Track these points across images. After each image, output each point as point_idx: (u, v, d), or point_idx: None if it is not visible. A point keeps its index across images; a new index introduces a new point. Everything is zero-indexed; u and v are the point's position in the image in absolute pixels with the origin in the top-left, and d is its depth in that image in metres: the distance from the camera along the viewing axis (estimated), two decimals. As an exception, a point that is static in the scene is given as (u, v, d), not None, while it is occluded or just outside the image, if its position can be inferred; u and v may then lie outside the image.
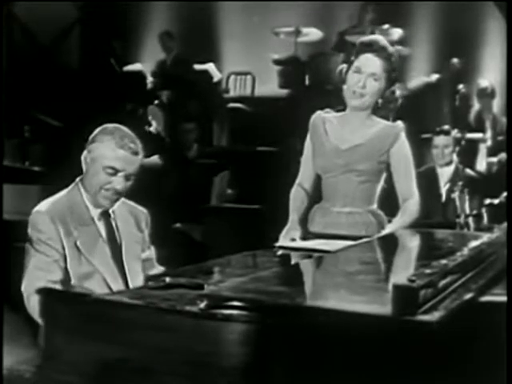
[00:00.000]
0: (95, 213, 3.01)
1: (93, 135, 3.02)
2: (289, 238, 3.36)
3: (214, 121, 8.89)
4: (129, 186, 2.99)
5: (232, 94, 9.54)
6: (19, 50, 7.95)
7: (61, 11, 8.68)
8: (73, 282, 2.89)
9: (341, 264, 2.62)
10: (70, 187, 3.04)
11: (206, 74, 9.25)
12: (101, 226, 3.01)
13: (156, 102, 8.67)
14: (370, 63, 3.43)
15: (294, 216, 3.51)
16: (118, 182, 2.94)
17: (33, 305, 2.80)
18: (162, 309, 1.96)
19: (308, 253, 2.96)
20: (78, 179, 3.04)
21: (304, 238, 3.40)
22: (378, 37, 3.58)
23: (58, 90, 7.89)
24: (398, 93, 3.54)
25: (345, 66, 3.53)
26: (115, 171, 2.93)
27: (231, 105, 9.03)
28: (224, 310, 1.88)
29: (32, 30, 8.49)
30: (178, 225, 6.78)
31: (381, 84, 3.45)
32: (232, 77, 9.61)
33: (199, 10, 9.64)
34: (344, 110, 3.56)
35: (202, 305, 1.91)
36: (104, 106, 7.45)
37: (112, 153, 2.93)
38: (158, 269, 3.15)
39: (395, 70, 3.50)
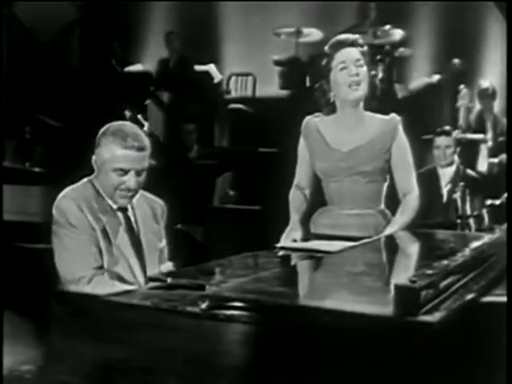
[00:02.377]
0: (115, 207, 3.08)
1: (98, 138, 3.06)
2: (290, 238, 3.35)
3: (215, 122, 8.89)
4: (142, 181, 3.06)
5: (233, 94, 9.55)
6: (19, 51, 7.95)
7: (61, 11, 8.69)
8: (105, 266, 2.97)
9: (342, 264, 2.61)
10: (86, 179, 3.09)
11: (206, 74, 9.26)
12: (120, 217, 3.08)
13: (148, 101, 8.64)
14: (348, 54, 3.46)
15: (294, 217, 3.50)
16: (130, 180, 3.00)
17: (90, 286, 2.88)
18: (164, 309, 1.95)
19: (309, 253, 2.96)
20: (92, 176, 3.09)
21: (305, 238, 3.40)
22: (339, 36, 3.60)
23: (58, 91, 7.89)
24: (380, 75, 3.57)
25: (321, 82, 3.53)
26: (125, 171, 2.99)
27: (232, 106, 9.03)
28: (225, 310, 1.88)
29: (32, 31, 8.50)
30: (179, 225, 6.78)
31: (365, 67, 3.46)
32: (233, 78, 9.62)
33: (200, 10, 9.64)
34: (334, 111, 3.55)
35: (204, 305, 1.91)
36: (105, 106, 7.46)
37: (117, 155, 2.98)
38: (167, 264, 3.19)
39: (367, 52, 3.52)
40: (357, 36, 3.56)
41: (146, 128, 8.31)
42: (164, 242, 3.21)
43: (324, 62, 3.51)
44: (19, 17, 8.33)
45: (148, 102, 8.56)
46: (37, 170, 7.39)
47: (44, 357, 2.14)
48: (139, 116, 8.35)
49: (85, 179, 3.10)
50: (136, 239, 3.09)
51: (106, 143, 3.01)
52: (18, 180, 6.67)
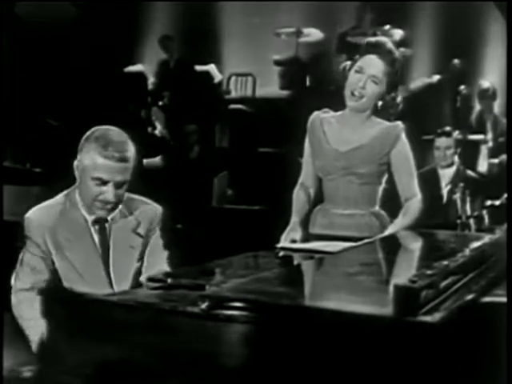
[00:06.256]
0: (90, 219, 2.95)
1: (82, 142, 2.89)
2: (290, 239, 3.35)
3: (216, 122, 8.90)
4: (122, 194, 2.90)
5: (233, 95, 9.56)
6: (19, 51, 7.95)
7: (61, 11, 8.69)
8: (64, 284, 2.90)
9: (342, 265, 2.61)
10: (65, 192, 2.98)
11: (207, 75, 9.27)
12: (94, 232, 2.95)
13: (160, 103, 8.68)
14: (372, 64, 3.40)
15: (295, 217, 3.50)
16: (108, 192, 2.83)
17: (16, 301, 2.89)
18: (164, 309, 1.95)
19: (309, 254, 2.96)
20: (72, 187, 2.97)
21: (305, 239, 3.40)
22: (385, 39, 3.54)
23: (59, 91, 7.89)
24: (399, 99, 3.50)
25: (349, 63, 3.49)
26: (103, 182, 2.82)
27: (232, 106, 9.04)
28: (225, 310, 1.88)
29: (32, 31, 8.50)
30: (179, 226, 6.78)
31: (381, 88, 3.41)
32: (233, 78, 9.63)
33: (200, 10, 9.64)
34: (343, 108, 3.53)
35: (204, 305, 1.90)
36: (106, 107, 7.46)
37: (96, 163, 2.80)
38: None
39: (398, 75, 3.46)
40: (397, 54, 3.45)
41: (157, 131, 8.30)
42: (140, 262, 3.01)
43: (358, 53, 3.45)
44: (20, 16, 8.33)
45: (155, 108, 8.58)
46: (37, 170, 7.39)
47: (44, 357, 2.14)
48: (153, 118, 8.35)
49: (63, 193, 2.97)
50: (106, 255, 2.94)
51: (87, 149, 2.83)
52: (18, 180, 6.67)
